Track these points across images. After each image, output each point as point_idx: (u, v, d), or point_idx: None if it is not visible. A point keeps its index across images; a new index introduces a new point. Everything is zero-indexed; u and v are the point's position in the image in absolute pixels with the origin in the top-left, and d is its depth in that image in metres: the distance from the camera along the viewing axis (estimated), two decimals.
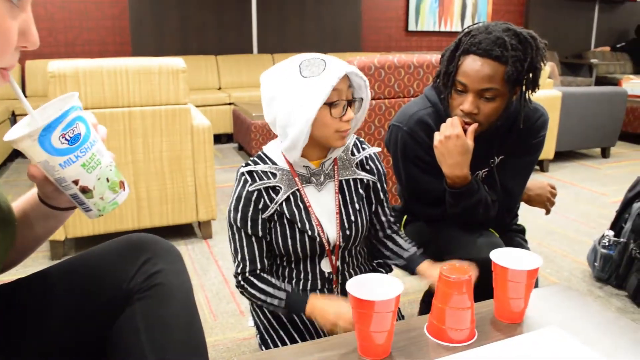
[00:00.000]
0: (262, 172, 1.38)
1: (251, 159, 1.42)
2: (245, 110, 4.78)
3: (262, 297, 1.38)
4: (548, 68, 4.56)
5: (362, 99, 1.36)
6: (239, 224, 1.37)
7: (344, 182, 1.44)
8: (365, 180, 1.47)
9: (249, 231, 1.37)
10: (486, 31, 1.41)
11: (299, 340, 1.40)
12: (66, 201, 0.92)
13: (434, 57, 2.93)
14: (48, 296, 1.01)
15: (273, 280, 1.40)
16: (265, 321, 1.47)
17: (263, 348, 1.44)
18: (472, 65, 1.40)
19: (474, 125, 1.45)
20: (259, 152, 1.44)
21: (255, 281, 1.39)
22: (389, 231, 1.55)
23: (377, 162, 1.50)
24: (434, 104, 1.59)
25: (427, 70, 2.93)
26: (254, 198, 1.36)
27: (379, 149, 1.51)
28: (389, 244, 1.54)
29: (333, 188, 1.42)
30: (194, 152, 2.84)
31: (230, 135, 5.69)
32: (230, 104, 5.60)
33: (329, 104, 1.28)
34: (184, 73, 2.71)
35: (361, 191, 1.46)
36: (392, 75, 2.86)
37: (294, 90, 1.27)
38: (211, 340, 2.06)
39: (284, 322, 1.44)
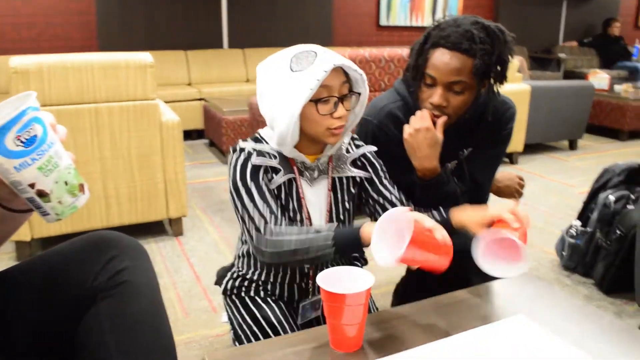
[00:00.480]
0: (264, 151, 1.32)
1: (250, 137, 1.36)
2: (216, 105, 4.74)
3: (303, 237, 1.22)
4: (517, 62, 4.63)
5: (359, 94, 1.33)
6: (249, 179, 1.28)
7: (337, 180, 1.42)
8: (357, 179, 1.45)
9: (260, 183, 1.28)
10: (455, 24, 1.42)
11: (273, 336, 1.39)
12: (23, 203, 0.89)
13: (405, 52, 2.95)
14: (8, 297, 0.99)
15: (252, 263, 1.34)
16: (239, 316, 1.45)
17: (237, 344, 1.43)
18: (441, 59, 1.41)
19: (443, 118, 1.46)
20: (255, 135, 1.38)
21: (286, 229, 1.25)
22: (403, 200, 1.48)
23: (372, 159, 1.47)
24: (403, 97, 1.59)
25: (398, 65, 2.94)
26: (259, 170, 1.30)
27: (375, 148, 1.47)
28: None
29: (326, 185, 1.40)
30: (163, 149, 2.80)
31: (201, 131, 5.64)
32: (200, 99, 5.55)
33: (316, 101, 1.24)
34: (152, 68, 2.67)
35: (353, 190, 1.44)
36: (363, 69, 2.86)
37: (280, 86, 1.24)
38: (183, 338, 2.04)
39: (257, 318, 1.43)
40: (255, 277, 1.46)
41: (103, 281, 0.97)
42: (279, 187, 1.34)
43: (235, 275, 1.51)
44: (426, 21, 7.68)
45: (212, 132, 4.90)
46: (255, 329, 1.41)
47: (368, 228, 1.19)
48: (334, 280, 1.02)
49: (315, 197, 1.39)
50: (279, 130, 1.27)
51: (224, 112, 4.50)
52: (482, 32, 1.40)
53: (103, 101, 2.61)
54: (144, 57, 2.67)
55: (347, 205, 1.43)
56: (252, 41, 6.49)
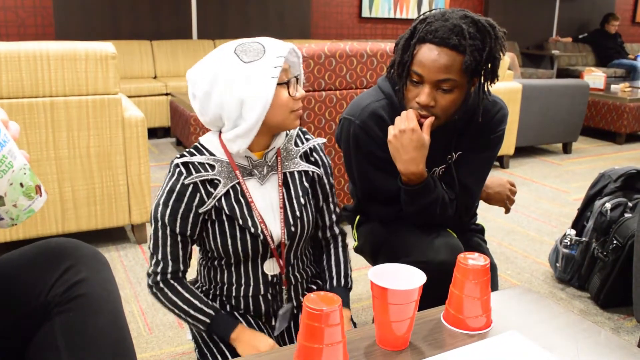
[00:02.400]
0: (199, 163, 1.37)
1: (187, 150, 1.40)
2: (183, 101, 4.71)
3: (185, 307, 1.38)
4: (508, 59, 4.69)
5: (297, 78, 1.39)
6: (166, 221, 1.36)
7: (288, 174, 1.44)
8: (310, 173, 1.48)
9: (177, 229, 1.36)
10: (443, 18, 1.43)
11: (240, 354, 1.38)
12: None
13: (389, 46, 2.96)
14: None
15: (198, 292, 1.42)
16: (204, 334, 1.45)
17: None
18: (429, 55, 1.41)
19: (430, 119, 1.46)
20: (195, 144, 1.42)
21: (178, 287, 1.39)
22: (328, 233, 1.57)
23: (322, 154, 1.52)
24: (388, 95, 1.60)
25: (381, 60, 2.95)
26: (188, 192, 1.35)
27: (324, 140, 1.53)
28: (323, 256, 1.59)
29: (276, 181, 1.42)
30: (125, 148, 2.77)
31: (167, 129, 5.59)
32: (166, 94, 5.51)
33: (285, 84, 1.31)
34: (114, 59, 2.64)
35: (306, 184, 1.47)
36: (344, 64, 2.87)
37: (239, 78, 1.27)
38: (146, 355, 2.02)
39: None
40: (218, 292, 1.46)
41: (58, 294, 0.95)
42: (220, 199, 1.37)
43: (199, 290, 1.50)
44: (411, 13, 7.74)
45: (179, 130, 4.86)
46: (221, 346, 1.41)
47: (242, 332, 1.39)
48: (386, 276, 1.10)
49: (266, 196, 1.41)
50: (250, 122, 1.29)
51: (192, 109, 4.47)
52: (471, 26, 1.41)
53: (60, 95, 2.57)
54: (106, 47, 2.64)
55: (301, 200, 1.45)
56: (223, 32, 6.47)
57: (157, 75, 5.98)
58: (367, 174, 1.62)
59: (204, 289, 1.50)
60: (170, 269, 1.38)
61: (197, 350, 1.46)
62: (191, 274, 2.60)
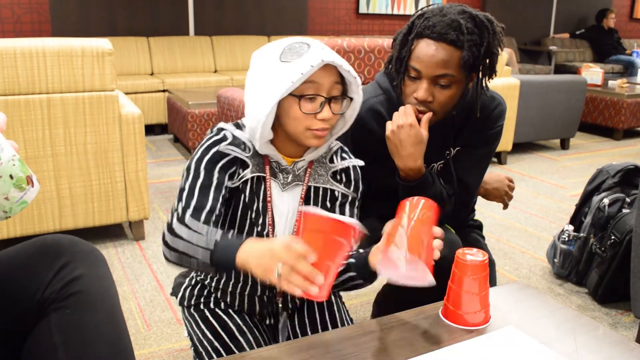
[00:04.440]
0: (240, 140, 1.32)
1: (233, 122, 1.36)
2: (180, 98, 4.70)
3: (185, 248, 1.20)
4: (506, 55, 4.68)
5: (351, 99, 1.32)
6: (202, 166, 1.27)
7: (312, 189, 1.39)
8: (336, 194, 1.42)
9: (214, 177, 1.27)
10: (440, 13, 1.42)
11: (236, 351, 1.38)
12: None
13: (386, 42, 2.96)
14: None
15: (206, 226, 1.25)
16: (198, 331, 1.44)
17: None
18: (426, 50, 1.41)
19: (428, 114, 1.46)
20: (238, 121, 1.38)
21: (185, 228, 1.21)
22: None
23: (356, 175, 1.45)
24: (386, 91, 1.60)
25: (378, 56, 2.95)
26: (223, 161, 1.29)
27: (362, 162, 1.45)
28: None
29: (299, 193, 1.38)
30: (122, 145, 2.77)
31: (164, 125, 5.58)
32: (164, 91, 5.50)
33: (300, 96, 1.23)
34: (111, 56, 2.64)
35: (328, 204, 1.42)
36: None
37: (264, 76, 1.24)
38: (144, 352, 2.01)
39: (218, 332, 1.42)
40: (214, 284, 1.45)
41: (55, 291, 0.95)
42: (245, 183, 1.32)
43: (193, 281, 1.50)
44: (409, 9, 7.72)
45: (177, 127, 4.86)
46: (216, 344, 1.40)
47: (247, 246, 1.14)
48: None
49: (284, 205, 1.37)
50: (251, 122, 1.26)
51: (190, 105, 4.47)
52: (469, 22, 1.41)
53: (56, 92, 2.57)
54: (103, 43, 2.63)
55: None
56: (220, 28, 6.45)
57: (154, 71, 5.97)
58: (365, 170, 1.62)
59: (198, 279, 1.48)
60: (188, 214, 1.23)
61: (192, 347, 1.46)
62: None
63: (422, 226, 1.10)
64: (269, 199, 1.34)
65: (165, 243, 1.24)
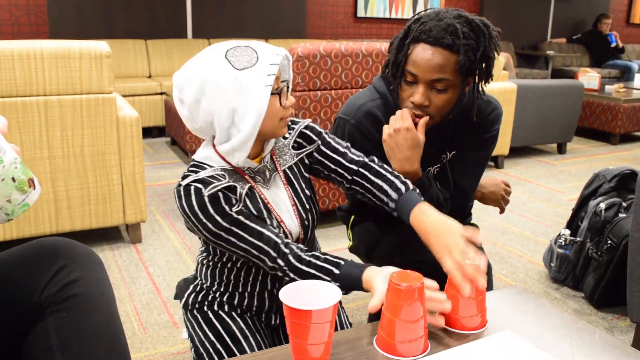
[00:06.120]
0: (209, 177, 1.29)
1: (186, 172, 1.33)
2: None
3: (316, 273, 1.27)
4: (503, 59, 4.70)
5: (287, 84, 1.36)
6: (227, 219, 1.26)
7: (288, 171, 1.43)
8: (306, 160, 1.47)
9: (242, 217, 1.27)
10: (437, 18, 1.43)
11: (237, 353, 1.38)
12: None
13: (384, 46, 2.96)
14: None
15: (318, 254, 1.30)
16: (200, 333, 1.44)
17: None
18: (422, 55, 1.41)
19: (425, 118, 1.47)
20: (192, 163, 1.35)
21: (301, 266, 1.28)
22: (355, 167, 1.44)
23: (309, 132, 1.47)
24: (383, 95, 1.60)
25: (376, 60, 2.95)
26: (221, 197, 1.27)
27: (309, 120, 1.48)
28: (366, 184, 1.43)
29: (280, 181, 1.41)
30: (120, 147, 2.76)
31: (162, 128, 5.58)
32: (161, 93, 5.50)
33: (277, 93, 1.28)
34: (109, 58, 2.64)
35: (306, 174, 1.46)
36: (339, 64, 2.86)
37: (232, 85, 1.23)
38: (141, 355, 2.01)
39: (220, 334, 1.42)
40: (222, 289, 1.45)
41: (51, 294, 0.95)
42: (244, 200, 1.33)
43: (198, 288, 1.49)
44: (407, 13, 7.75)
45: (174, 130, 4.86)
46: (218, 346, 1.40)
47: (370, 273, 1.24)
48: (297, 294, 1.02)
49: (277, 197, 1.40)
50: (245, 133, 1.24)
51: None
52: (466, 26, 1.41)
53: (54, 94, 2.57)
54: (100, 46, 2.63)
55: (307, 192, 1.44)
56: (218, 31, 6.46)
57: (151, 74, 5.97)
58: None
59: (204, 286, 1.49)
60: (283, 251, 1.28)
61: (193, 349, 1.46)
62: (191, 270, 2.60)
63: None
64: (266, 201, 1.36)
65: (291, 278, 1.30)
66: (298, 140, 1.47)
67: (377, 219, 1.73)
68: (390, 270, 1.20)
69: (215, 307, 1.46)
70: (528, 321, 1.23)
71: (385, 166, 1.44)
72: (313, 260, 1.29)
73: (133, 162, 2.81)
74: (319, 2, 7.14)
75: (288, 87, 1.34)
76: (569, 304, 2.46)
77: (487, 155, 1.68)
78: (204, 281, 1.49)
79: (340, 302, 1.57)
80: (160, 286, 2.52)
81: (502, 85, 4.37)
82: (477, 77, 1.49)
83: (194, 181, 1.26)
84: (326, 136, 1.48)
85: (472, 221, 1.89)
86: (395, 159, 1.48)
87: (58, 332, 0.93)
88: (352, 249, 1.87)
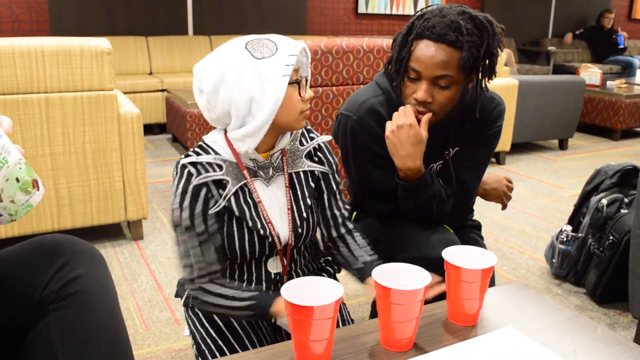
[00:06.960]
0: (207, 163, 1.34)
1: (192, 149, 1.37)
2: (179, 97, 4.69)
3: (225, 302, 1.31)
4: (504, 55, 4.69)
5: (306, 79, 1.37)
6: (187, 223, 1.31)
7: (294, 175, 1.43)
8: (316, 173, 1.46)
9: (201, 228, 1.32)
10: (440, 14, 1.42)
11: (239, 350, 1.38)
12: None
13: (385, 42, 2.96)
14: None
15: (231, 282, 1.36)
16: (202, 330, 1.44)
17: (200, 359, 1.42)
18: (426, 51, 1.41)
19: (428, 115, 1.46)
20: (200, 142, 1.39)
21: (213, 287, 1.32)
22: (343, 230, 1.51)
23: (327, 152, 1.49)
24: (385, 91, 1.59)
25: (377, 56, 2.95)
26: (202, 192, 1.32)
27: (329, 137, 1.50)
28: (342, 248, 1.50)
29: (283, 182, 1.41)
30: (121, 144, 2.76)
31: (163, 125, 5.58)
32: (162, 90, 5.49)
33: (296, 83, 1.30)
34: (110, 55, 2.63)
35: (312, 184, 1.46)
36: (341, 60, 2.86)
37: (251, 74, 1.25)
38: (143, 352, 2.01)
39: (222, 331, 1.42)
40: (237, 284, 1.45)
41: (53, 291, 0.95)
42: (229, 199, 1.34)
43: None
44: (408, 9, 7.73)
45: (175, 127, 4.85)
46: (220, 343, 1.40)
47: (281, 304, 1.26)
48: (299, 291, 1.02)
49: (274, 197, 1.39)
50: (260, 120, 1.26)
51: (188, 105, 4.46)
52: (469, 22, 1.41)
53: (55, 91, 2.56)
54: (101, 43, 2.62)
55: (308, 201, 1.44)
56: (219, 28, 6.45)
57: (152, 71, 5.97)
58: (365, 170, 1.62)
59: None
60: (206, 272, 1.32)
61: (194, 346, 1.46)
62: None
63: None
64: (258, 200, 1.37)
65: (198, 295, 1.34)
66: (316, 154, 1.48)
67: (379, 216, 1.73)
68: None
69: None
70: (530, 317, 1.23)
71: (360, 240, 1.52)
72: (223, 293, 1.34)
73: (134, 159, 2.81)
74: None
75: (306, 81, 1.35)
76: (571, 300, 2.46)
77: (490, 151, 1.68)
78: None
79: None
80: (162, 283, 2.52)
81: (504, 81, 4.36)
82: (480, 74, 1.48)
83: (191, 163, 1.33)
84: (335, 168, 1.50)
85: (474, 217, 1.89)
86: (398, 156, 1.48)
87: (60, 330, 0.93)
88: None
